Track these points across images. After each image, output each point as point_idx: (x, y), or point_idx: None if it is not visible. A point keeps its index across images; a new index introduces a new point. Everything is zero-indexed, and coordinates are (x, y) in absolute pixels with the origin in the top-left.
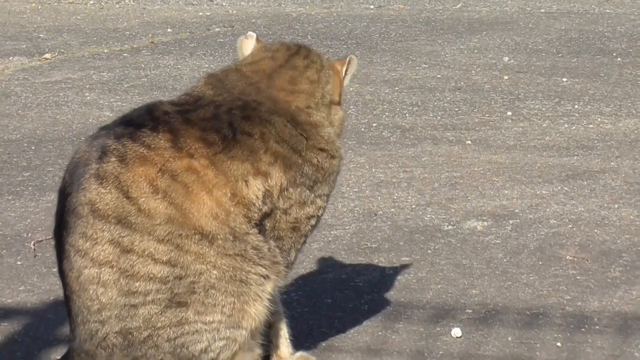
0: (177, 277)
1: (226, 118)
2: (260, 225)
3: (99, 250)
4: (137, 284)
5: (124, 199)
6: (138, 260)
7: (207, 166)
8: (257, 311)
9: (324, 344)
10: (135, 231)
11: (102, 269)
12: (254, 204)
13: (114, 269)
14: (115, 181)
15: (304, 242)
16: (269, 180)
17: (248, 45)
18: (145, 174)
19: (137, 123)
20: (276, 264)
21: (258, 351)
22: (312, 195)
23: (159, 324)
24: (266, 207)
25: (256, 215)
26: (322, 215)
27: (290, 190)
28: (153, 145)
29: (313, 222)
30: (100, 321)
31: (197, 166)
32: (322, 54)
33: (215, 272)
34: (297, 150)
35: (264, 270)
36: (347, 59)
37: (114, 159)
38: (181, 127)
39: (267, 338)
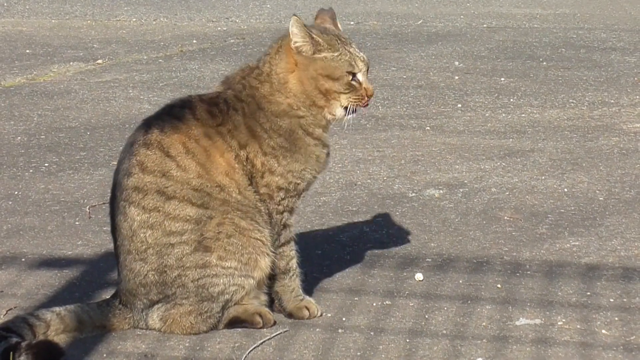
0: (208, 217)
1: (223, 97)
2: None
3: (148, 200)
4: (177, 225)
5: (166, 157)
6: (179, 205)
7: (215, 134)
8: (265, 264)
9: (316, 286)
10: (176, 182)
11: (151, 213)
12: (245, 165)
13: (160, 212)
14: (159, 145)
15: (282, 211)
16: (247, 148)
17: None
18: (179, 139)
19: (171, 105)
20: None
21: (263, 297)
22: (281, 168)
23: (187, 264)
24: (249, 166)
25: (248, 171)
26: (293, 189)
27: (261, 157)
28: (182, 118)
29: (282, 194)
30: (144, 259)
31: (210, 132)
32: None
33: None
34: (260, 123)
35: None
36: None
37: (156, 130)
38: (198, 103)
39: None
